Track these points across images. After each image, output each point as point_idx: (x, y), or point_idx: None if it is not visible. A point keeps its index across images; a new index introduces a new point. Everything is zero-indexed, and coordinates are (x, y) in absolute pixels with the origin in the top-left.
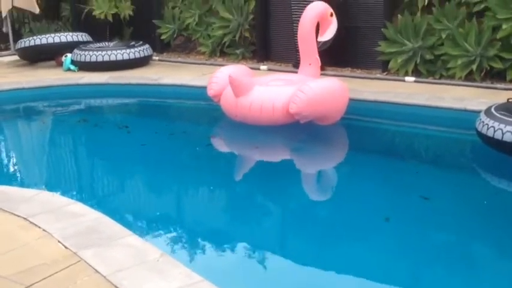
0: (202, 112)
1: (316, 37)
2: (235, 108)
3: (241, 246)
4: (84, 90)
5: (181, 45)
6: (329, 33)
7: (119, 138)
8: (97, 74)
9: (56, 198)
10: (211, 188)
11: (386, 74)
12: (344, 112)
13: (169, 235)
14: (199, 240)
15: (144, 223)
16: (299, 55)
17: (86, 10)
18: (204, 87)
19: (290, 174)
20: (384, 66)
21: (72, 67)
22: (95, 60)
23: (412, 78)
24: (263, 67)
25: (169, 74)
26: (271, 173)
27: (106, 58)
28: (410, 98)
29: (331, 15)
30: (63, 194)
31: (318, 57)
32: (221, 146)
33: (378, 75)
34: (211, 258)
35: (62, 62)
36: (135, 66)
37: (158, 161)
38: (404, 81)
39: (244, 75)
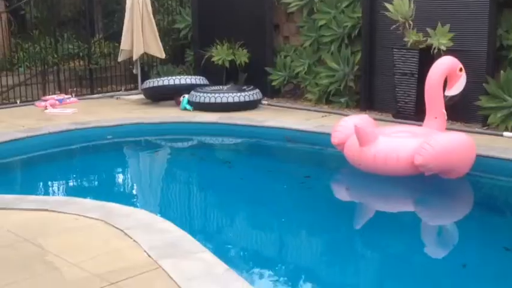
0: (303, 154)
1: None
2: (359, 157)
3: None
4: (197, 127)
5: (290, 92)
6: (457, 88)
7: (221, 172)
8: (209, 114)
9: (151, 216)
10: (309, 226)
11: (486, 129)
12: (471, 167)
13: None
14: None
15: (223, 245)
16: (399, 105)
17: (206, 56)
18: (306, 132)
19: (407, 225)
20: (484, 121)
21: (188, 107)
22: (208, 101)
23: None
24: (364, 115)
25: (275, 117)
26: (380, 220)
27: (218, 100)
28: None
29: (460, 70)
30: (161, 214)
31: (445, 111)
32: (320, 185)
33: (477, 129)
34: None
35: (180, 102)
36: (245, 108)
37: (253, 193)
38: (502, 136)
39: (368, 125)
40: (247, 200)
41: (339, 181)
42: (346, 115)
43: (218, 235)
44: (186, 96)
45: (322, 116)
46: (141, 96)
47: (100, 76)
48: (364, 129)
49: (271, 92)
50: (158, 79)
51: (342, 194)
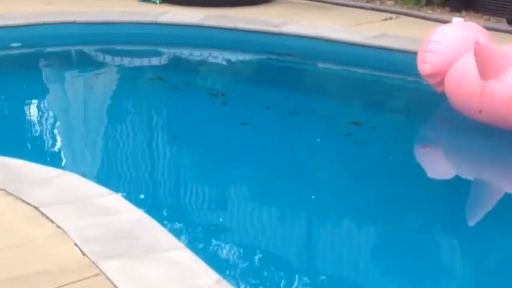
0: (350, 84)
1: None
2: (479, 98)
3: None
4: (165, 32)
5: None
6: None
7: (209, 110)
8: (188, 10)
9: (84, 185)
10: (348, 210)
11: None
12: None
13: (242, 261)
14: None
15: (206, 236)
16: None
17: None
18: (361, 46)
19: None
20: None
21: None
22: None
23: None
24: (457, 19)
25: (300, 18)
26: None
27: None
28: None
29: None
30: (98, 180)
31: None
32: (377, 139)
33: None
34: None
35: None
36: (248, 1)
37: (263, 151)
38: None
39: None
40: (249, 163)
41: (421, 136)
42: (431, 19)
43: (200, 220)
44: None
45: (385, 19)
46: None
47: None
48: (492, 48)
49: None
50: None
51: (420, 160)
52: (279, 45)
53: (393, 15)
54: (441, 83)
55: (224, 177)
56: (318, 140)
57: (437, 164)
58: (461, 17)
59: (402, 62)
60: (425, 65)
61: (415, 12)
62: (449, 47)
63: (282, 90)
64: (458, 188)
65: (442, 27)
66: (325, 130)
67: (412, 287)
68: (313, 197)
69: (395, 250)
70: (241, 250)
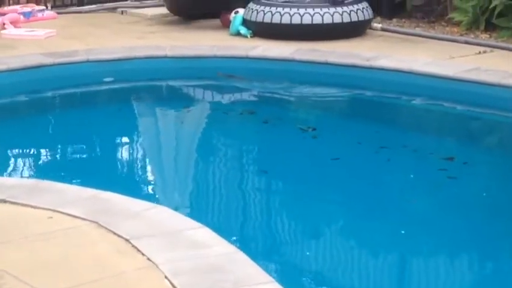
0: (443, 118)
1: None
2: None
3: None
4: (256, 66)
5: (424, 9)
6: None
7: (299, 145)
8: (279, 44)
9: (174, 218)
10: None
11: None
12: None
13: None
14: None
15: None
16: None
17: None
18: (455, 80)
19: None
20: None
21: (243, 30)
22: (277, 21)
23: None
24: None
25: (392, 52)
26: None
27: (296, 20)
28: None
29: None
30: (189, 213)
31: None
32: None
33: None
34: None
35: (230, 21)
36: (342, 35)
37: (354, 185)
38: None
39: None
40: (340, 198)
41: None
42: None
43: (289, 255)
44: (241, 11)
45: (479, 53)
46: (163, 9)
47: None
48: None
49: (390, 9)
50: None
51: None
52: (370, 79)
53: (488, 49)
54: None
55: (314, 212)
56: (411, 175)
57: None
58: None
59: (497, 96)
60: None
61: (510, 45)
62: None
63: (373, 125)
64: None
65: None
66: (417, 165)
67: None
68: (403, 232)
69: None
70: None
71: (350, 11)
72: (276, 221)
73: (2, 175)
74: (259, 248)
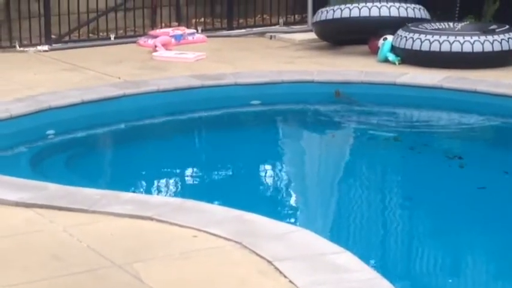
0: None
1: None
2: None
3: None
4: (403, 94)
5: None
6: None
7: (445, 173)
8: (427, 72)
9: (317, 241)
10: None
11: None
12: None
13: None
14: None
15: None
16: None
17: None
18: None
19: None
20: None
21: (391, 56)
22: (427, 49)
23: None
24: None
25: None
26: None
27: (445, 48)
28: None
29: None
30: (332, 237)
31: None
32: None
33: None
34: None
35: (378, 48)
36: (492, 64)
37: (500, 216)
38: None
39: None
40: (484, 229)
41: None
42: None
43: (429, 284)
44: (390, 38)
45: None
46: (312, 35)
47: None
48: None
49: None
50: (341, 7)
51: None
52: None
53: None
54: None
55: (459, 241)
56: None
57: None
58: None
59: None
60: None
61: None
62: None
63: None
64: None
65: None
66: None
67: None
68: None
69: None
70: None
71: (501, 40)
72: (419, 250)
73: (150, 193)
74: (402, 276)
